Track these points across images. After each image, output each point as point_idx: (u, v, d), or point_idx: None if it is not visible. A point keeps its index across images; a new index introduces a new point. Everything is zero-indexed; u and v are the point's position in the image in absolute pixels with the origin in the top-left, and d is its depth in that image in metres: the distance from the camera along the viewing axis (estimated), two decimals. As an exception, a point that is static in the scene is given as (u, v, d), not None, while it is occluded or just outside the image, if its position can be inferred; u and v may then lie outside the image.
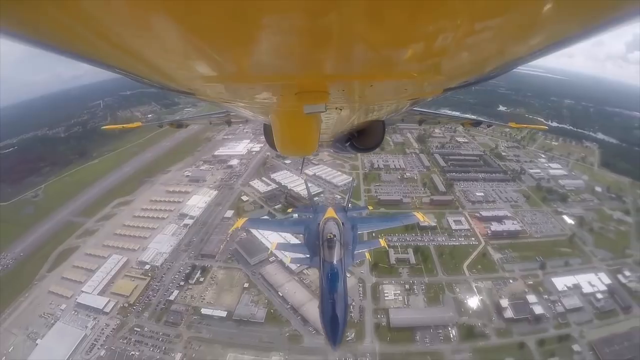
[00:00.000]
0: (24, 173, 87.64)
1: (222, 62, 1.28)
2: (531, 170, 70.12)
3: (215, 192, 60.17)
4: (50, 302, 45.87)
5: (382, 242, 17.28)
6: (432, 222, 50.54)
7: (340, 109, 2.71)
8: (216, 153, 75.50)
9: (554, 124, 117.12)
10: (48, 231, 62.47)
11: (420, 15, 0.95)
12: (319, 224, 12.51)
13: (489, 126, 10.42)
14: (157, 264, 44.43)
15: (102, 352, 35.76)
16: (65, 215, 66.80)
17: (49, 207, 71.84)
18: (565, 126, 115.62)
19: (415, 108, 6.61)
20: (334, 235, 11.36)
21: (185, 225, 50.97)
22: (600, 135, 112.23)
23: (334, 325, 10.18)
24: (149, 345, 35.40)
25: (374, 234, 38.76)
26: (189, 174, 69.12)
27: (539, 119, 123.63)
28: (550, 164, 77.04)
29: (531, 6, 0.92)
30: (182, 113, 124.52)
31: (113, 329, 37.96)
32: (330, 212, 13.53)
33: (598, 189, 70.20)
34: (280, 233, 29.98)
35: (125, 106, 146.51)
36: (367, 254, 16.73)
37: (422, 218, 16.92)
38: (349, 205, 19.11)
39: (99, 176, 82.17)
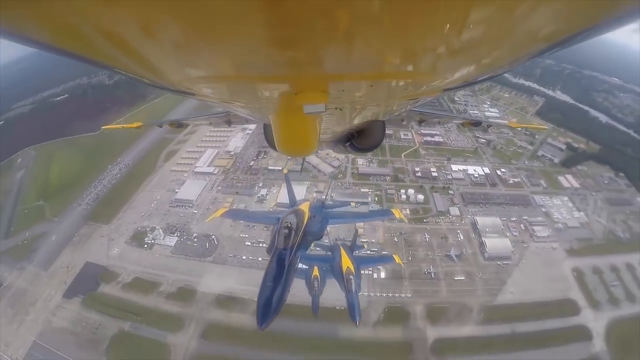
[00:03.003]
0: (94, 112, 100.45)
1: (222, 63, 1.33)
2: (471, 112, 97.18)
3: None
4: (174, 175, 74.71)
5: (397, 259, 18.37)
6: (389, 132, 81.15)
7: (340, 109, 2.68)
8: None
9: (520, 81, 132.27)
10: (148, 144, 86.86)
11: (420, 16, 0.96)
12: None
13: (488, 126, 11.90)
14: (237, 152, 77.35)
15: (219, 188, 68.80)
16: (157, 134, 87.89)
17: (139, 132, 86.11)
18: (526, 83, 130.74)
19: (415, 108, 6.86)
20: (290, 225, 11.94)
21: (248, 134, 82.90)
22: (557, 93, 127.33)
23: (266, 310, 10.46)
24: (243, 183, 69.55)
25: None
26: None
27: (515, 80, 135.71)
28: (490, 109, 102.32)
29: (531, 7, 0.94)
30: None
31: (221, 179, 71.02)
32: (304, 205, 14.51)
33: (519, 128, 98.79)
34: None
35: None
36: None
37: (398, 215, 17.59)
38: (326, 200, 20.22)
39: (167, 110, 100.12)
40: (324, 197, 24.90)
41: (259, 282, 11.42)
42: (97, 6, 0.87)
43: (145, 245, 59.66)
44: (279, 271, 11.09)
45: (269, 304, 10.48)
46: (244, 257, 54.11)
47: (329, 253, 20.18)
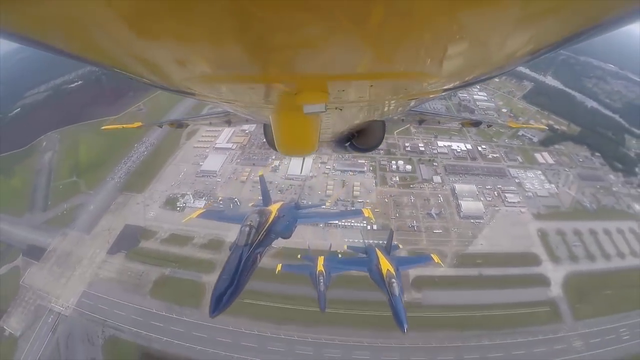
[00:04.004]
0: (111, 97, 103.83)
1: (222, 63, 1.33)
2: (460, 95, 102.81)
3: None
4: (197, 151, 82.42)
5: (435, 258, 18.68)
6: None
7: (340, 109, 2.68)
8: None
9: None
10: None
11: (420, 16, 0.96)
12: None
13: (489, 126, 11.47)
14: (251, 130, 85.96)
15: (238, 160, 78.95)
16: (177, 114, 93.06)
17: (158, 114, 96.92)
18: (517, 68, 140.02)
19: (415, 108, 7.13)
20: (251, 224, 12.79)
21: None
22: (548, 79, 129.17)
23: (218, 300, 11.17)
24: (258, 156, 79.46)
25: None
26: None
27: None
28: (478, 92, 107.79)
29: (531, 7, 0.94)
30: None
31: (240, 153, 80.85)
32: (274, 206, 15.09)
33: (504, 110, 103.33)
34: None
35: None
36: None
37: (367, 214, 18.39)
38: (299, 201, 20.30)
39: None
40: (297, 197, 24.04)
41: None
42: (96, 7, 0.87)
43: (178, 208, 68.68)
44: (236, 267, 11.68)
45: (221, 298, 11.12)
46: (262, 215, 65.32)
47: (364, 255, 19.83)
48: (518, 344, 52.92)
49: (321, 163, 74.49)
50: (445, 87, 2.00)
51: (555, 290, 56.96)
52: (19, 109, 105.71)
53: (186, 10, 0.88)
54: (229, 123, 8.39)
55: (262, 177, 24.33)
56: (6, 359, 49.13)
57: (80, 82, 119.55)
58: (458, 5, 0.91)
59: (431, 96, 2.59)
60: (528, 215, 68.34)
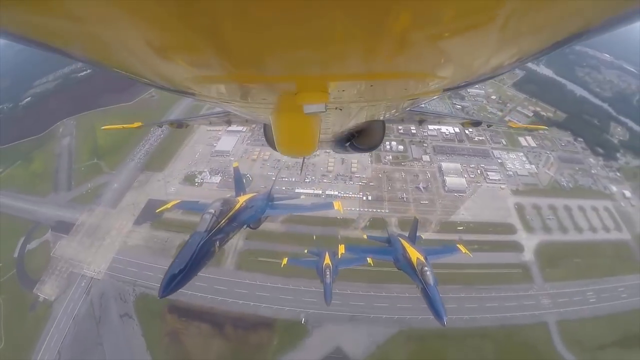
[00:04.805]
0: (122, 85, 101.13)
1: (222, 63, 1.31)
2: None
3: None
4: (210, 134, 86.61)
5: (462, 249, 17.75)
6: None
7: (340, 109, 2.67)
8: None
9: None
10: (182, 112, 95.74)
11: (420, 16, 0.95)
12: None
13: (489, 126, 11.08)
14: None
15: (249, 142, 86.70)
16: (187, 102, 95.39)
17: (169, 101, 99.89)
18: None
19: (415, 108, 7.03)
20: (213, 212, 12.79)
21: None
22: (540, 67, 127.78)
23: (169, 284, 11.14)
24: None
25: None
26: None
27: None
28: None
29: (530, 7, 0.93)
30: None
31: (250, 135, 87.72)
32: (244, 197, 14.95)
33: (493, 97, 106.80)
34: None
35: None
36: None
37: (337, 207, 18.51)
38: (272, 193, 19.93)
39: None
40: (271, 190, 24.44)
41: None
42: (95, 9, 0.87)
43: (196, 184, 74.72)
44: (192, 253, 11.80)
45: (172, 280, 11.29)
46: (272, 188, 74.32)
47: (386, 244, 19.46)
48: (491, 297, 60.44)
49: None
50: (446, 87, 2.02)
51: (528, 255, 62.00)
52: (30, 97, 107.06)
53: (186, 12, 0.88)
54: (228, 123, 8.65)
55: (236, 168, 24.56)
56: (41, 320, 53.30)
57: (89, 71, 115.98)
58: (457, 6, 0.92)
59: (432, 96, 2.58)
60: (507, 191, 74.05)
